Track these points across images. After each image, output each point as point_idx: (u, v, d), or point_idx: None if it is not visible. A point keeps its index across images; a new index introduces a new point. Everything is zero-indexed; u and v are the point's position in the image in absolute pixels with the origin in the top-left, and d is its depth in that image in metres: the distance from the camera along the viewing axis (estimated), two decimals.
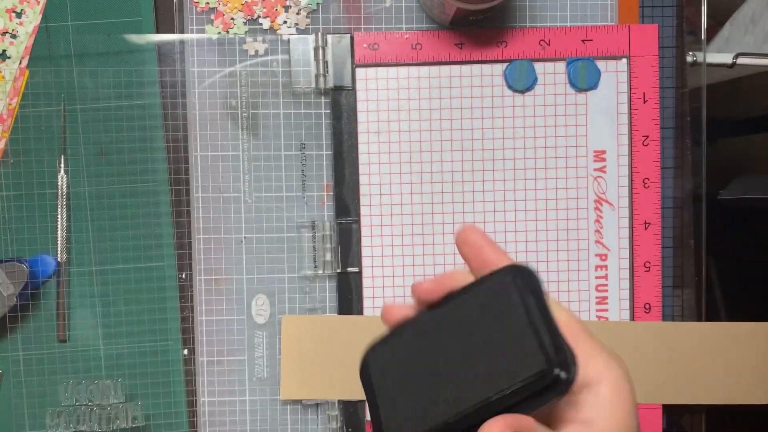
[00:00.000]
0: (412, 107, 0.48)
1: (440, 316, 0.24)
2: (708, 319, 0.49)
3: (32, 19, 0.47)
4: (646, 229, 0.49)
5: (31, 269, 0.47)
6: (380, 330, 0.46)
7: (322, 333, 0.48)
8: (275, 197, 0.49)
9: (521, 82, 0.48)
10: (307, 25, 0.48)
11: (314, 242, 0.48)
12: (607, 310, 0.49)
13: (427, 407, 0.23)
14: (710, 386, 0.48)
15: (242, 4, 0.48)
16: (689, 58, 0.49)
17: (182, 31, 0.48)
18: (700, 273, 0.49)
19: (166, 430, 0.48)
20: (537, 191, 0.49)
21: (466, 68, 0.48)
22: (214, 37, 0.48)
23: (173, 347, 0.48)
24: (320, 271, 0.48)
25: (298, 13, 0.48)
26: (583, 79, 0.48)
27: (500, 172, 0.49)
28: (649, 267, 0.49)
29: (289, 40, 0.48)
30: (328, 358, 0.47)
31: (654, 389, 0.48)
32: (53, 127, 0.48)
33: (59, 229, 0.48)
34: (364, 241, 0.48)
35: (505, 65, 0.48)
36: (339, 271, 0.48)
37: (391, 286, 0.48)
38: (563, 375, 0.22)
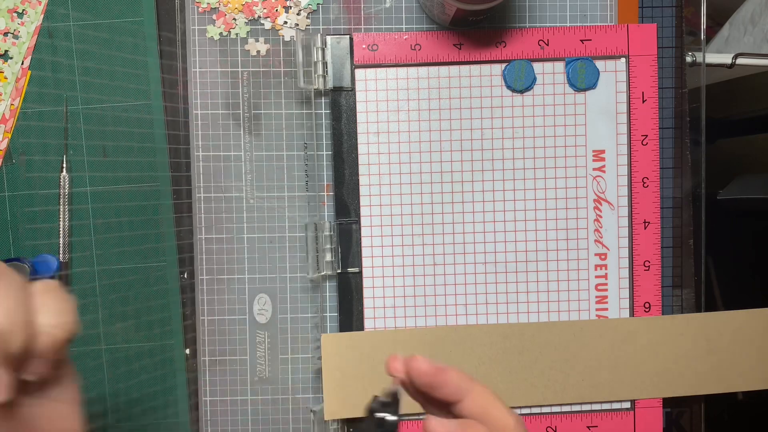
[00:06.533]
0: (411, 108, 0.48)
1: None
2: None
3: (34, 19, 0.47)
4: (645, 228, 0.49)
5: (34, 269, 0.47)
6: (420, 342, 0.47)
7: (363, 349, 0.47)
8: (276, 197, 0.49)
9: (520, 82, 0.48)
10: (307, 25, 0.48)
11: (316, 242, 0.48)
12: (607, 309, 0.49)
13: None
14: (747, 373, 0.49)
15: (243, 5, 0.48)
16: (689, 59, 0.49)
17: (184, 32, 0.48)
18: (700, 272, 0.49)
19: (168, 429, 0.48)
20: (536, 191, 0.49)
21: (465, 68, 0.48)
22: (216, 37, 0.48)
23: (175, 347, 0.48)
24: (321, 272, 0.48)
25: (298, 14, 0.48)
26: (582, 79, 0.48)
27: (499, 172, 0.49)
28: (649, 266, 0.49)
29: (290, 40, 0.48)
30: (370, 374, 0.47)
31: (695, 381, 0.48)
32: (55, 128, 0.48)
33: (61, 229, 0.48)
34: (364, 242, 0.48)
35: (504, 65, 0.48)
36: (339, 271, 0.48)
37: (391, 287, 0.48)
38: None
